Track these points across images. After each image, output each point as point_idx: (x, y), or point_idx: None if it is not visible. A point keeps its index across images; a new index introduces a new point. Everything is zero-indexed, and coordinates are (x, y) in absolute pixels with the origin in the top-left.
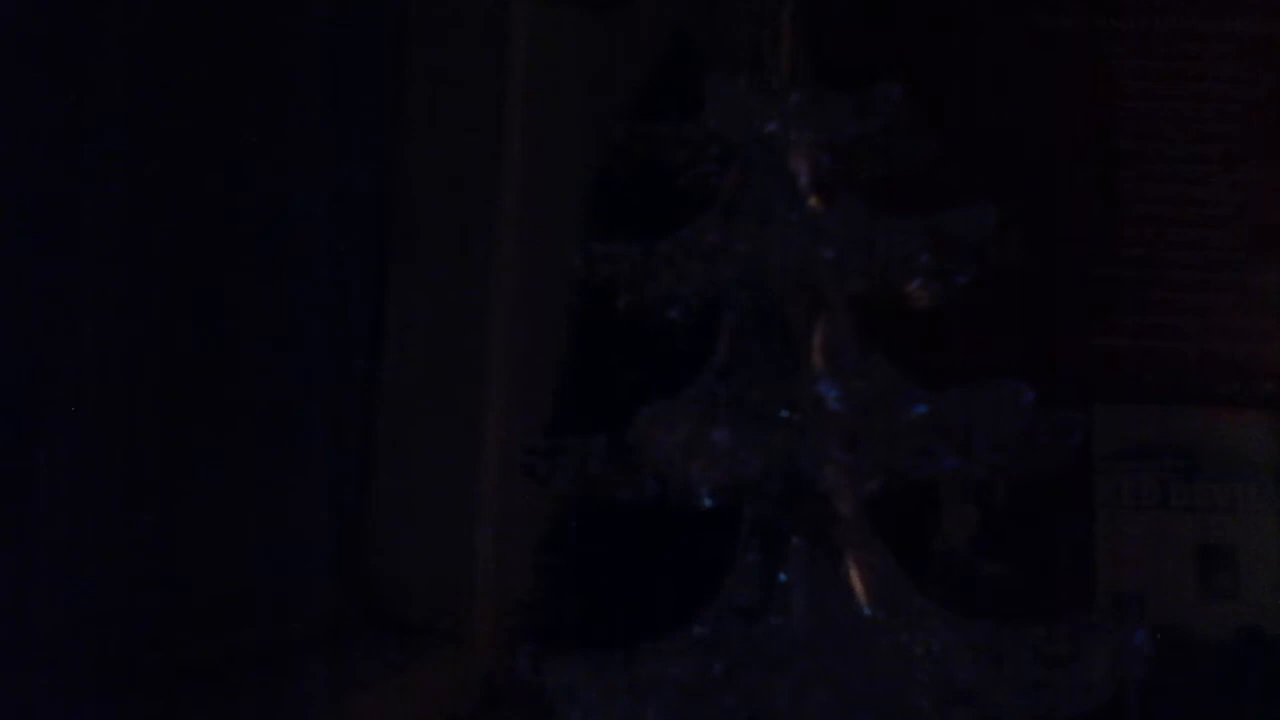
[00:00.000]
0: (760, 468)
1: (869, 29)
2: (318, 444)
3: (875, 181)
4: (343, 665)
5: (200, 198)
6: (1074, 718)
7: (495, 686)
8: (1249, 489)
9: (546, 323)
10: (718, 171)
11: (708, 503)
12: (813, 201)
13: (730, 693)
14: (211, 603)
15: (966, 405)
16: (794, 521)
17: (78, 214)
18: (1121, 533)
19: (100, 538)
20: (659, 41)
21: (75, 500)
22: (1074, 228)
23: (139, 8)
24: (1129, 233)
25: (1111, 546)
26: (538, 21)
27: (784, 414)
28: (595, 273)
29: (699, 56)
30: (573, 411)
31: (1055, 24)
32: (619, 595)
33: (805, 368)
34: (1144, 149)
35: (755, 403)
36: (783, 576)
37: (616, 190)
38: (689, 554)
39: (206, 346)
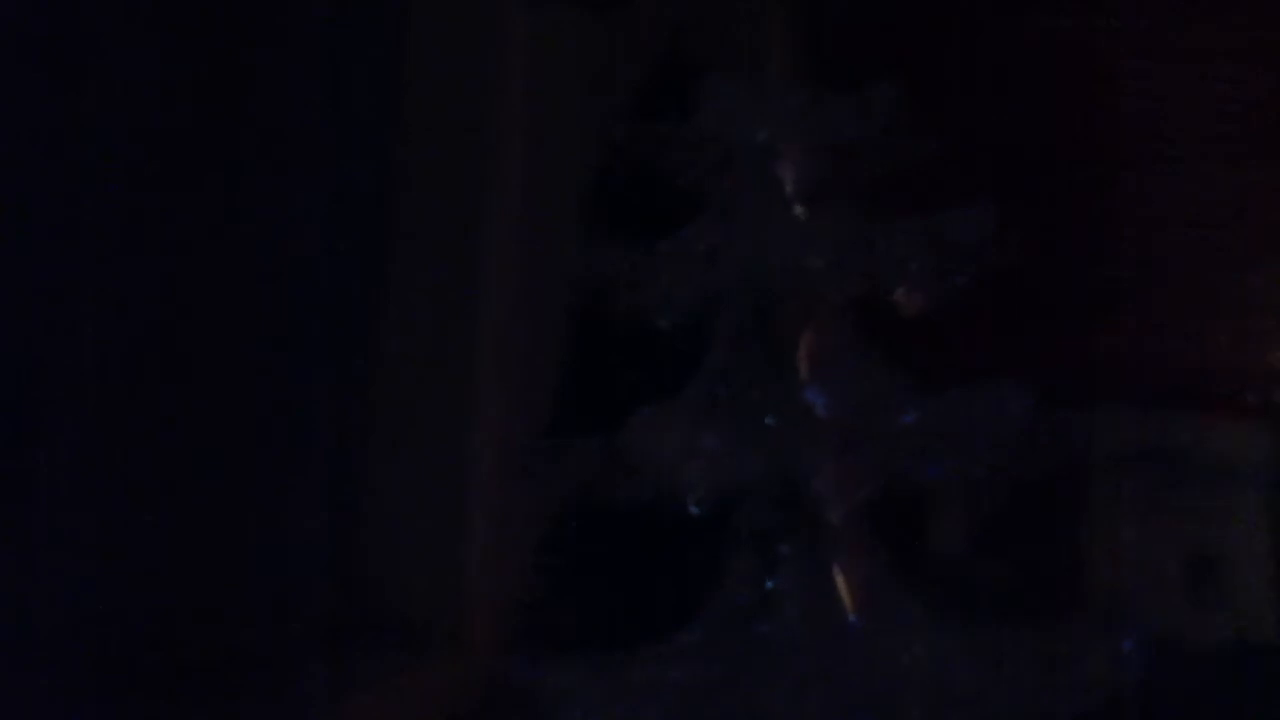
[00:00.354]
0: (753, 472)
1: (868, 29)
2: (317, 444)
3: (875, 181)
4: (342, 666)
5: (200, 198)
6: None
7: (495, 689)
8: (1244, 494)
9: (545, 323)
10: (716, 173)
11: (694, 510)
12: (807, 205)
13: (727, 696)
14: (211, 603)
15: (965, 406)
16: (786, 527)
17: (78, 214)
18: (1117, 536)
19: (100, 538)
20: (659, 41)
21: (75, 500)
22: (1074, 228)
23: (139, 8)
24: (1129, 233)
25: (1107, 550)
26: (538, 21)
27: (769, 420)
28: (595, 275)
29: (699, 56)
30: (572, 413)
31: (1055, 24)
32: (616, 597)
33: (798, 372)
34: (1144, 149)
35: (749, 408)
36: (771, 582)
37: (616, 190)
38: (686, 556)
39: (206, 346)
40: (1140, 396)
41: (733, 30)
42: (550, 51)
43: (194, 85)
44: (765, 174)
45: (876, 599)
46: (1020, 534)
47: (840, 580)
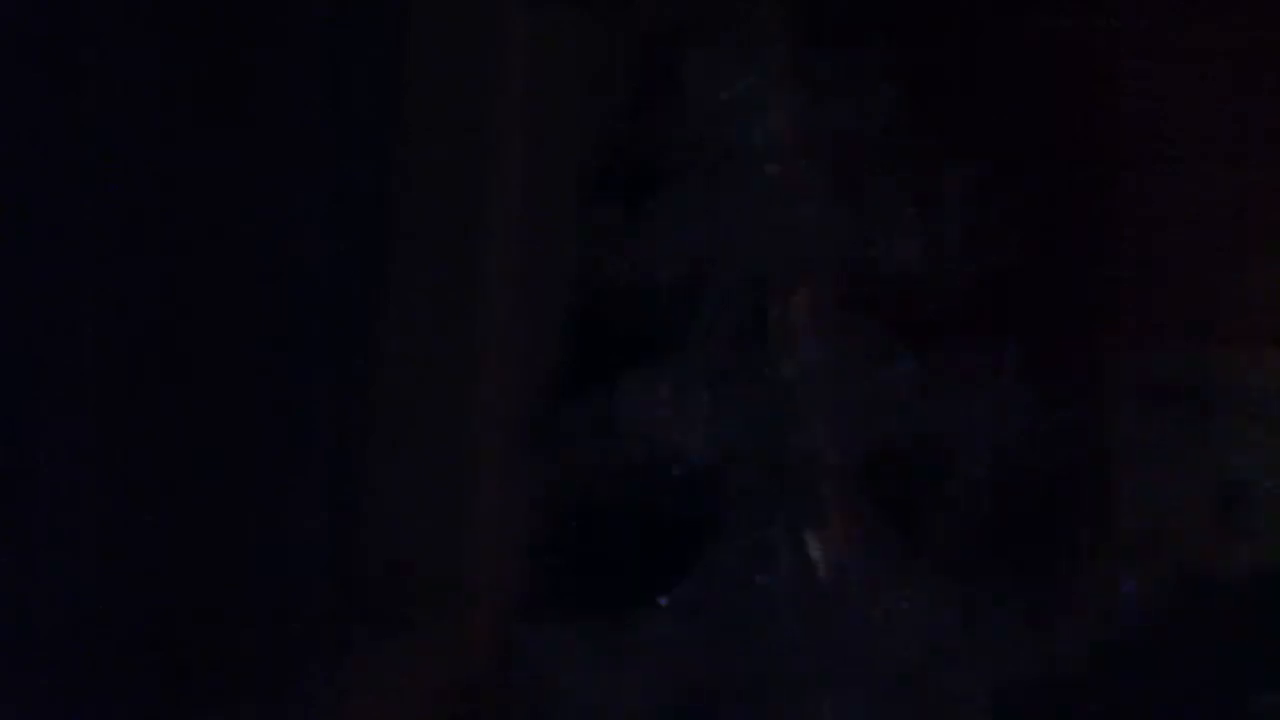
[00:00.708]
0: (741, 430)
1: (869, 30)
2: (317, 444)
3: (871, 181)
4: (342, 665)
5: (200, 198)
6: (1069, 669)
7: (496, 689)
8: (1268, 428)
9: (546, 323)
10: (704, 136)
11: (682, 473)
12: (795, 162)
13: (719, 652)
14: (211, 603)
15: (966, 407)
16: (779, 483)
17: (78, 214)
18: (1139, 475)
19: (100, 538)
20: (659, 41)
21: (75, 500)
22: (1074, 228)
23: (139, 8)
24: (1129, 233)
25: (1129, 490)
26: (538, 21)
27: (756, 381)
28: (586, 239)
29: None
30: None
31: (1055, 24)
32: (611, 573)
33: (788, 329)
34: (1144, 149)
35: (737, 366)
36: (761, 541)
37: (617, 190)
38: (679, 518)
39: (206, 346)
40: (1153, 338)
41: (731, 31)
42: (550, 51)
43: (194, 85)
44: (749, 134)
45: (867, 556)
46: (1039, 479)
47: (831, 538)
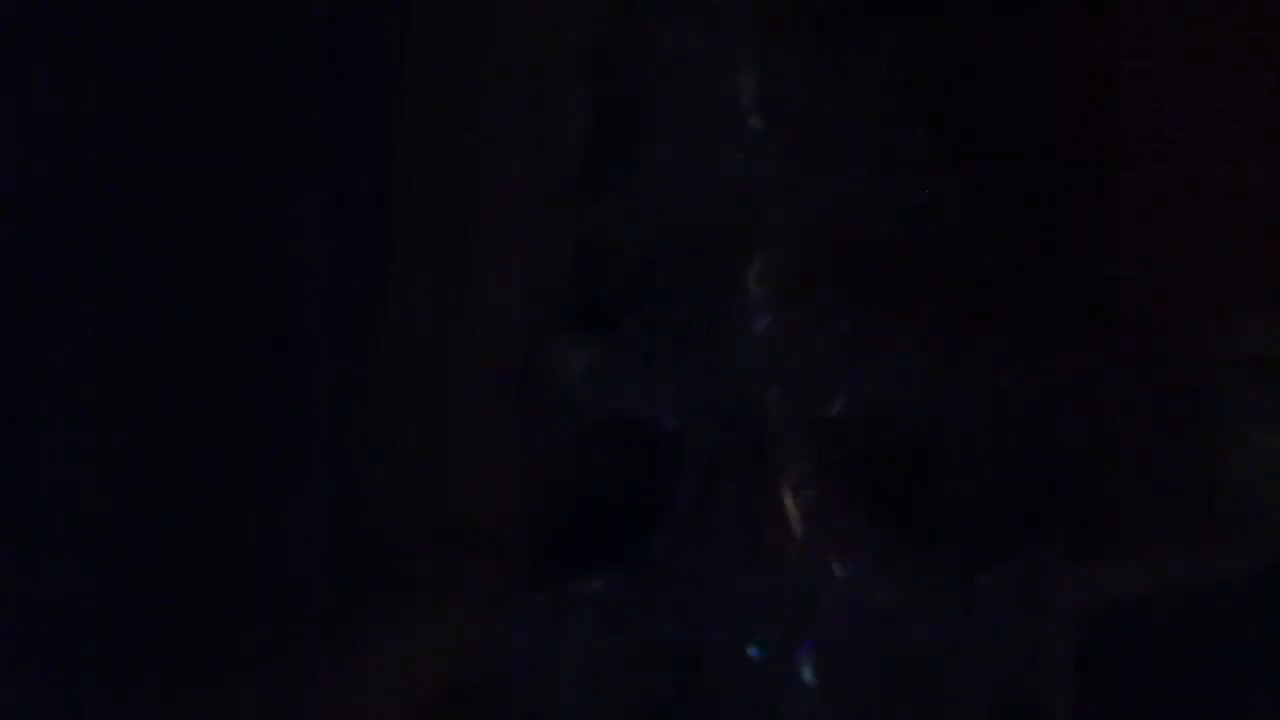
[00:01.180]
0: (678, 400)
1: (870, 30)
2: (317, 444)
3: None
4: (343, 666)
5: (200, 197)
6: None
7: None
8: (1268, 428)
9: (545, 323)
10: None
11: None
12: (757, 122)
13: (664, 614)
14: (211, 603)
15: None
16: (726, 454)
17: (78, 214)
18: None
19: (100, 538)
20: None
21: (75, 500)
22: (1074, 228)
23: (139, 8)
24: (1129, 233)
25: (1128, 488)
26: (538, 21)
27: (716, 348)
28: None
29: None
30: (571, 410)
31: (1055, 24)
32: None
33: (739, 296)
34: (1144, 149)
35: (677, 334)
36: (713, 506)
37: (615, 189)
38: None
39: (206, 346)
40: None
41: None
42: (550, 51)
43: (194, 85)
44: (711, 93)
45: (821, 525)
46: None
47: (779, 514)
